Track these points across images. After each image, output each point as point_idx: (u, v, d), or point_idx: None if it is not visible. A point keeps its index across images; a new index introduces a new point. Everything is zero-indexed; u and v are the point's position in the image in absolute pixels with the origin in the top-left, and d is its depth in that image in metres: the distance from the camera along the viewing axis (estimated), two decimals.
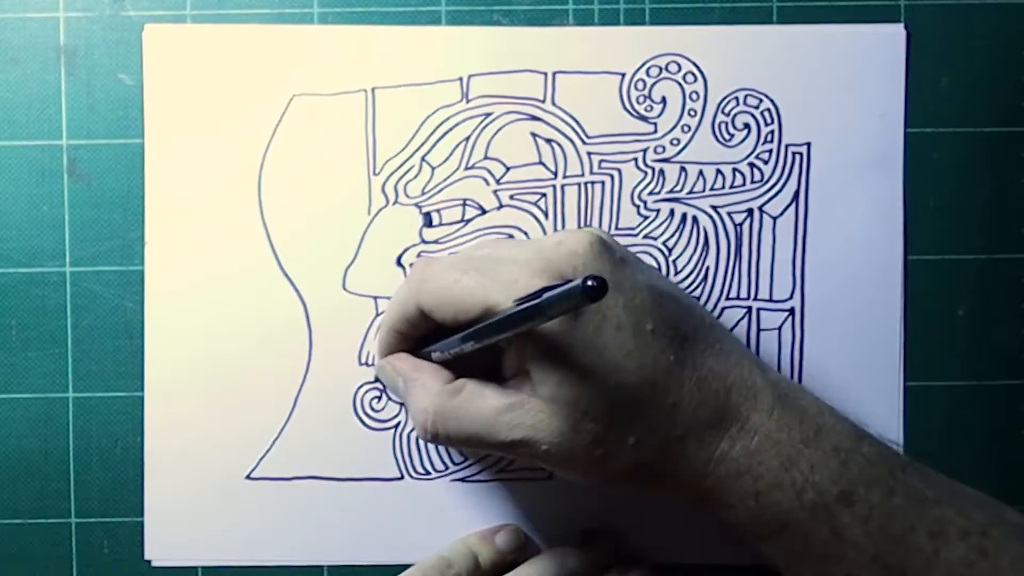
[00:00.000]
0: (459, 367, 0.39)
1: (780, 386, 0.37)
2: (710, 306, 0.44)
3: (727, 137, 0.44)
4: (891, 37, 0.44)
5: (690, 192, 0.44)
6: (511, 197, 0.44)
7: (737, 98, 0.44)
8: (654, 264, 0.44)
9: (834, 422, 0.37)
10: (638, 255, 0.42)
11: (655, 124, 0.44)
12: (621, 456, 0.36)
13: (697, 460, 0.36)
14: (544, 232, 0.44)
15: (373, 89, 0.44)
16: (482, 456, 0.44)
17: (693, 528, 0.44)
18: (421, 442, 0.44)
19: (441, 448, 0.44)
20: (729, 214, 0.44)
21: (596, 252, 0.36)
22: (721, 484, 0.36)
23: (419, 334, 0.40)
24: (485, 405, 0.37)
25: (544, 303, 0.32)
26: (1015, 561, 0.35)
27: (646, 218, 0.44)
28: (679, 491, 0.37)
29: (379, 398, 0.44)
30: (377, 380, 0.43)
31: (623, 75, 0.44)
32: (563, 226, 0.44)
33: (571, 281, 0.31)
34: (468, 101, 0.44)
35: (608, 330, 0.35)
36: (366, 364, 0.44)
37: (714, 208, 0.44)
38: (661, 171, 0.44)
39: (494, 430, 0.36)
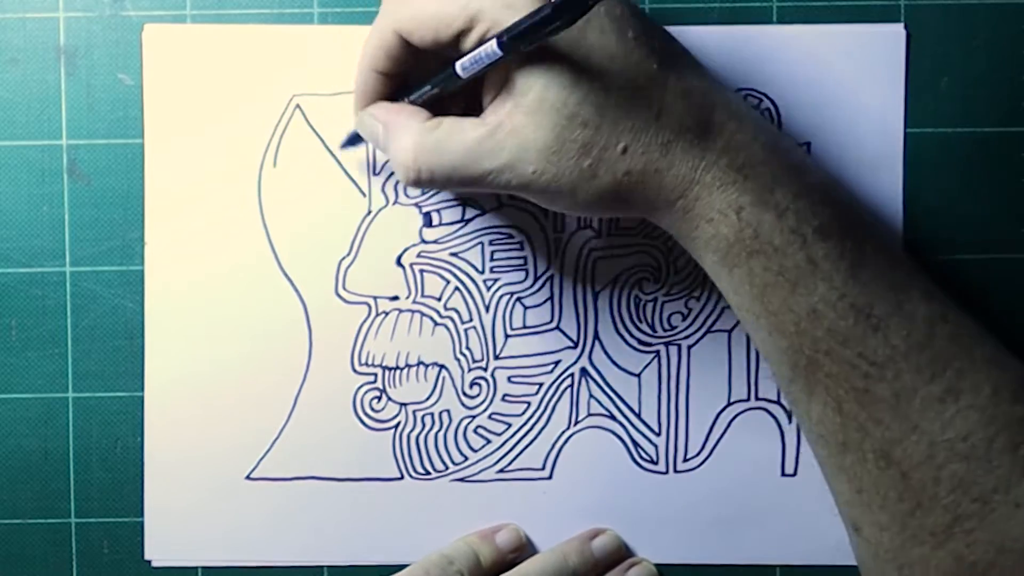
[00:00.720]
0: (438, 110, 0.38)
1: (763, 121, 0.37)
2: (709, 305, 0.44)
3: None
4: (891, 37, 0.44)
5: None
6: (511, 197, 0.44)
7: None
8: (653, 264, 0.44)
9: (816, 166, 0.37)
10: (637, 252, 0.42)
11: None
12: (609, 166, 0.35)
13: (683, 166, 0.36)
14: (544, 233, 0.44)
15: None
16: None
17: (694, 529, 0.44)
18: (421, 442, 0.44)
19: (441, 448, 0.44)
20: None
21: None
22: (707, 192, 0.36)
23: (398, 70, 0.38)
24: (465, 134, 0.36)
25: (537, 20, 0.31)
26: (972, 335, 0.36)
27: None
28: (664, 203, 0.36)
29: (379, 398, 0.44)
30: (355, 141, 0.42)
31: None
32: (563, 226, 0.44)
33: None
34: None
35: (592, 33, 0.34)
36: (366, 364, 0.44)
37: None
38: None
39: (478, 157, 0.35)
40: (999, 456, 0.34)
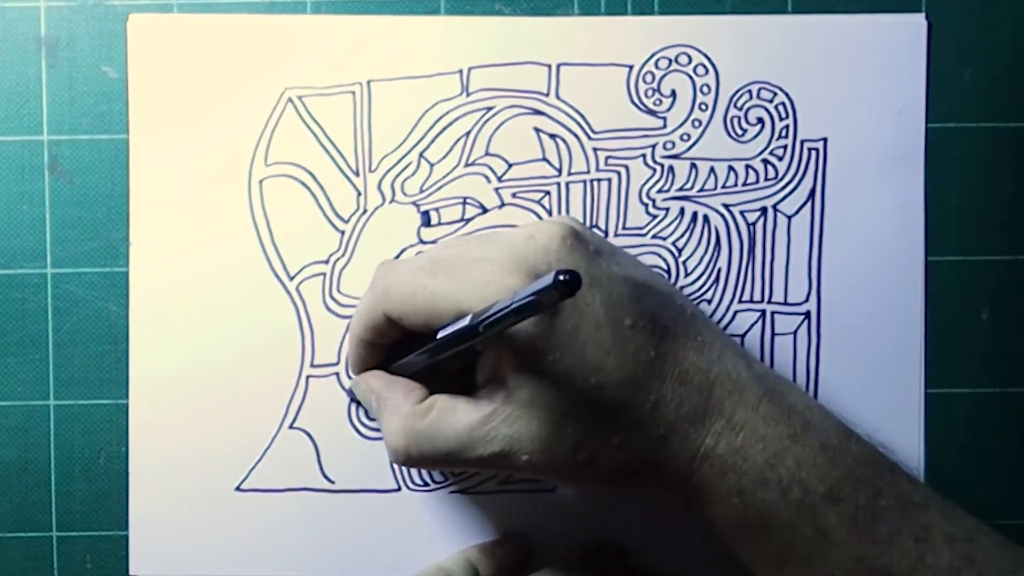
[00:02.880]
0: (434, 377, 0.39)
1: (766, 380, 0.37)
2: (722, 309, 0.44)
3: (740, 132, 0.43)
4: (911, 27, 0.43)
5: (701, 190, 0.43)
6: (513, 195, 0.43)
7: (750, 91, 0.43)
8: (662, 265, 0.43)
9: (822, 419, 0.37)
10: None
11: (664, 119, 0.43)
12: (605, 458, 0.35)
13: (681, 457, 0.35)
14: None
15: (369, 82, 0.43)
16: (466, 475, 0.43)
17: (699, 543, 0.43)
18: None
19: None
20: (742, 213, 0.43)
21: (569, 245, 0.35)
22: (706, 481, 0.35)
23: (389, 342, 0.39)
24: (458, 421, 0.36)
25: (516, 304, 0.31)
26: (1002, 570, 0.35)
27: (655, 217, 0.43)
28: (665, 490, 0.36)
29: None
30: (350, 395, 0.43)
31: (631, 67, 0.43)
32: None
33: (541, 281, 0.30)
34: (468, 95, 0.43)
35: (586, 328, 0.34)
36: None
37: (726, 207, 0.43)
38: (670, 168, 0.43)
39: (470, 445, 0.36)
40: None
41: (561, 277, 0.28)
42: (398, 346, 0.39)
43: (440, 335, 0.35)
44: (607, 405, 0.35)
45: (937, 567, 0.34)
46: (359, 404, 0.42)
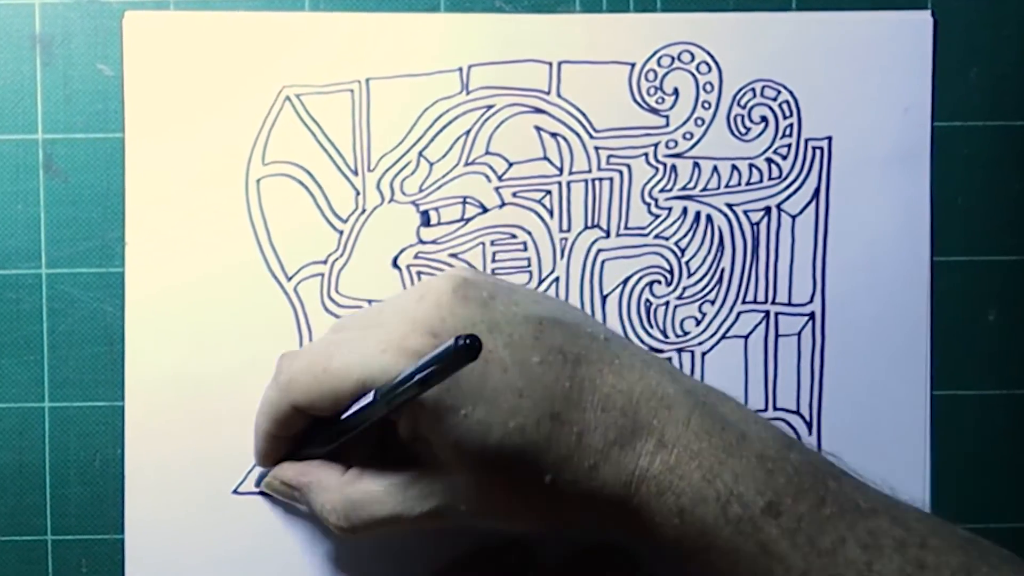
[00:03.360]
0: (349, 451, 0.39)
1: (696, 393, 0.36)
2: (725, 310, 0.43)
3: (743, 131, 0.43)
4: (917, 24, 0.43)
5: (704, 189, 0.43)
6: (514, 195, 0.43)
7: (754, 89, 0.43)
8: (665, 266, 0.43)
9: (759, 429, 0.36)
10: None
11: (667, 117, 0.43)
12: (539, 498, 0.35)
13: (616, 483, 0.35)
14: (549, 232, 0.43)
15: (367, 80, 0.43)
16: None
17: None
18: None
19: None
20: (745, 213, 0.43)
21: (460, 297, 0.36)
22: (644, 504, 0.35)
23: (296, 431, 0.39)
24: (388, 483, 0.37)
25: (419, 375, 0.32)
26: (956, 573, 0.34)
27: (657, 217, 0.43)
28: (607, 519, 0.36)
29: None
30: (264, 494, 0.42)
31: (633, 65, 0.43)
32: (569, 226, 0.43)
33: (442, 345, 0.31)
34: (468, 93, 0.43)
35: (494, 375, 0.35)
36: None
37: (729, 206, 0.43)
38: (673, 167, 0.43)
39: (407, 506, 0.36)
40: None
41: (460, 342, 0.29)
42: (303, 433, 0.40)
43: (346, 415, 0.36)
44: (532, 447, 0.35)
45: (886, 574, 0.34)
46: (275, 500, 0.42)
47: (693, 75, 0.43)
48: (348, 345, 0.36)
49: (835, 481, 0.35)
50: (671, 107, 0.43)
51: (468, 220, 0.43)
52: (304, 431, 0.39)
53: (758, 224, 0.43)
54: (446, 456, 0.35)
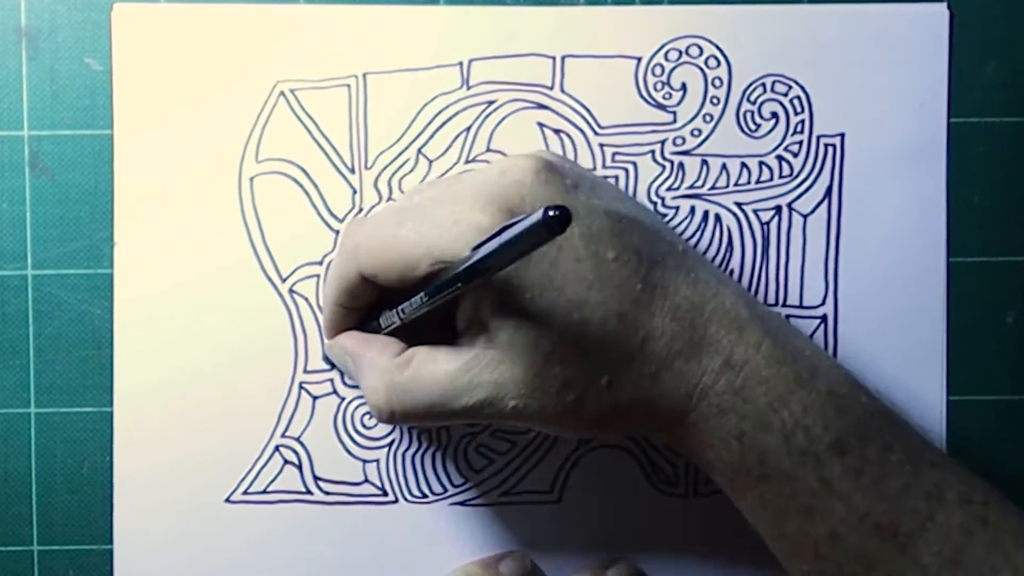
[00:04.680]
0: (412, 332, 0.37)
1: (769, 321, 0.36)
2: None
3: (753, 127, 0.43)
4: (933, 17, 0.43)
5: (712, 188, 0.43)
6: None
7: (764, 84, 0.43)
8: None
9: (830, 366, 0.36)
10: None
11: (674, 113, 0.43)
12: (594, 399, 0.35)
13: (675, 396, 0.35)
14: None
15: (364, 75, 0.42)
16: (467, 485, 0.43)
17: (716, 558, 0.43)
18: (417, 461, 0.43)
19: (439, 468, 0.43)
20: (755, 212, 0.43)
21: (544, 179, 0.34)
22: (703, 422, 0.35)
23: (365, 304, 0.38)
24: (439, 371, 0.35)
25: (501, 246, 0.30)
26: (1017, 537, 0.34)
27: (664, 216, 0.43)
28: (661, 429, 0.36)
29: (370, 414, 0.42)
30: (330, 365, 0.42)
31: (639, 59, 0.42)
32: None
33: (527, 216, 0.29)
34: (469, 88, 0.42)
35: (566, 263, 0.34)
36: None
37: (738, 205, 0.43)
38: (680, 164, 0.43)
39: (454, 395, 0.35)
40: None
41: (551, 213, 0.27)
42: (372, 308, 0.39)
43: (416, 297, 0.35)
44: (593, 343, 0.34)
45: (948, 526, 0.34)
46: (341, 372, 0.42)
47: (701, 69, 0.42)
48: (420, 213, 0.35)
49: (902, 430, 0.35)
50: (678, 103, 0.42)
51: None
52: (371, 307, 0.38)
53: (768, 224, 0.43)
54: (503, 343, 0.34)
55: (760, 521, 0.36)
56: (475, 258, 0.32)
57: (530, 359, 0.34)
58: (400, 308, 0.36)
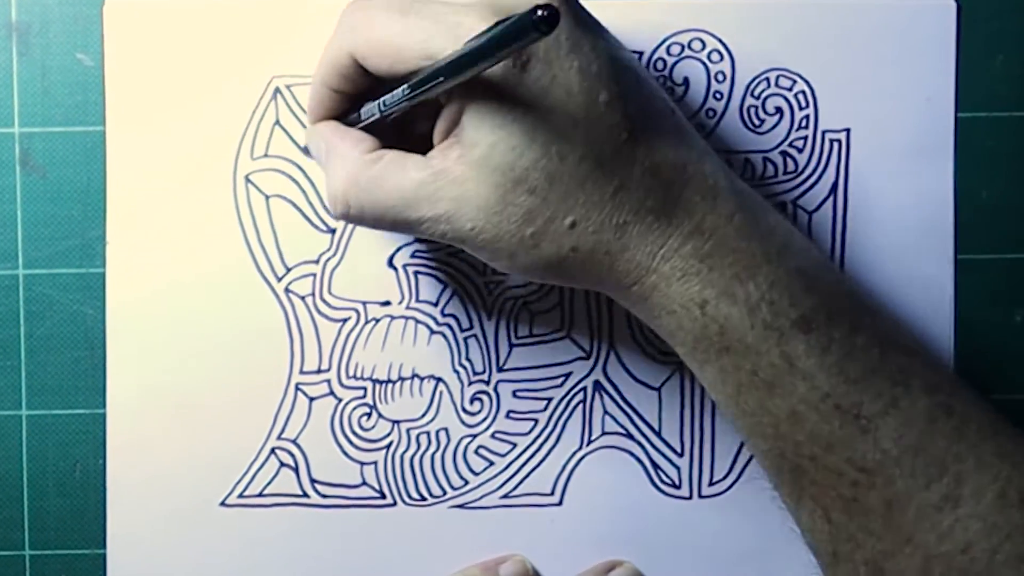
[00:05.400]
0: (390, 136, 0.37)
1: (747, 195, 0.36)
2: None
3: (757, 123, 0.42)
4: (940, 10, 0.42)
5: None
6: None
7: (768, 79, 0.42)
8: None
9: (803, 246, 0.36)
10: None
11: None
12: (554, 238, 0.34)
13: (639, 251, 0.34)
14: None
15: None
16: (466, 487, 0.42)
17: (720, 561, 0.43)
18: (416, 464, 0.43)
19: (438, 471, 0.43)
20: None
21: (561, 3, 0.33)
22: (665, 283, 0.34)
23: (351, 90, 0.38)
24: (405, 177, 0.35)
25: (487, 40, 0.30)
26: (981, 427, 0.34)
27: None
28: (616, 286, 0.35)
29: (368, 415, 0.42)
30: (305, 152, 0.42)
31: (641, 53, 0.42)
32: None
33: (513, 17, 0.29)
34: None
35: (557, 93, 0.33)
36: (354, 377, 0.43)
37: None
38: None
39: (414, 203, 0.34)
40: (1002, 569, 0.33)
41: (539, 12, 0.27)
42: (357, 103, 0.38)
43: (399, 89, 0.34)
44: (566, 179, 0.33)
45: (912, 413, 0.34)
46: (311, 157, 0.41)
47: (704, 64, 0.42)
48: (424, 11, 0.34)
49: (871, 316, 0.35)
50: (681, 98, 0.42)
51: None
52: (361, 94, 0.38)
53: None
54: (475, 159, 0.33)
55: (720, 395, 0.36)
56: (460, 52, 0.31)
57: (498, 181, 0.33)
58: (382, 100, 0.35)
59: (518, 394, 0.43)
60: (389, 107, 0.35)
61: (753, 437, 0.35)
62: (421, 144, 0.36)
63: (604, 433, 0.43)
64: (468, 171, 0.33)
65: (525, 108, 0.33)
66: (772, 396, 0.34)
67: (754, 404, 0.34)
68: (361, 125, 0.37)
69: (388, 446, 0.42)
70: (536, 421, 0.43)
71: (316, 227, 0.42)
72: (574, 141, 0.33)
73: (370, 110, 0.36)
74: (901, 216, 0.42)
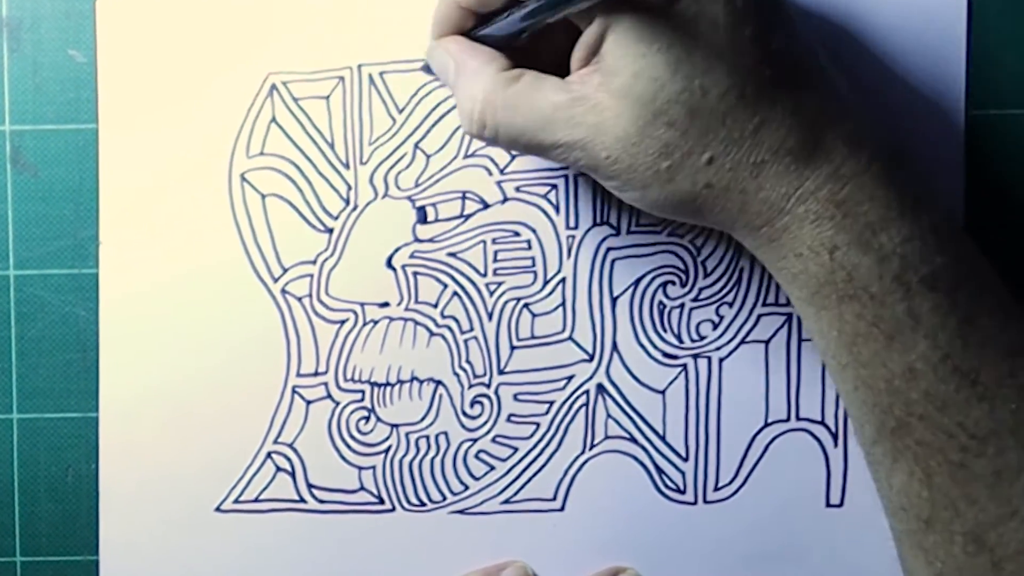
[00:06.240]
0: (521, 58, 0.37)
1: (885, 147, 0.36)
2: (744, 313, 0.42)
3: None
4: (950, 5, 0.42)
5: None
6: (517, 189, 0.42)
7: None
8: (680, 265, 0.42)
9: (937, 205, 0.36)
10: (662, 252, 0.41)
11: None
12: (689, 173, 0.34)
13: (774, 192, 0.34)
14: (555, 230, 0.42)
15: (359, 66, 0.42)
16: (466, 492, 0.42)
17: (726, 567, 0.43)
18: (415, 468, 0.42)
19: (438, 475, 0.42)
20: None
21: None
22: (797, 225, 0.34)
23: (482, 8, 0.37)
24: (544, 97, 0.35)
25: None
26: None
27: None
28: (746, 226, 0.35)
29: (367, 419, 0.42)
30: (426, 70, 0.41)
31: None
32: (576, 222, 0.42)
33: None
34: None
35: (703, 24, 0.33)
36: (352, 380, 0.42)
37: None
38: None
39: (551, 126, 0.35)
40: None
41: None
42: (484, 18, 0.38)
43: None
44: (706, 114, 0.33)
45: None
46: (433, 76, 0.41)
47: None
48: None
49: (995, 284, 0.35)
50: None
51: (468, 217, 0.42)
52: (488, 16, 0.38)
53: None
54: (616, 88, 0.34)
55: (833, 344, 0.35)
56: None
57: (638, 112, 0.33)
58: (526, 10, 0.35)
59: (519, 397, 0.42)
60: (525, 20, 0.34)
61: (861, 389, 0.35)
62: (547, 66, 0.36)
63: (607, 437, 0.42)
64: (608, 99, 0.34)
65: (670, 39, 0.33)
66: (890, 349, 0.34)
67: (869, 355, 0.34)
68: (496, 44, 0.37)
69: (387, 450, 0.42)
70: (538, 425, 0.42)
71: (313, 227, 0.42)
72: (717, 75, 0.33)
73: (505, 26, 0.36)
74: None
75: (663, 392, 0.42)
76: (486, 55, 0.37)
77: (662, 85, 0.33)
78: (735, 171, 0.34)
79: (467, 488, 0.42)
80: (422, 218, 0.42)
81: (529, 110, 0.35)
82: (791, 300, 0.36)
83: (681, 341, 0.42)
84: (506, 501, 0.42)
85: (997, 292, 0.35)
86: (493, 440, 0.42)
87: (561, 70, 0.36)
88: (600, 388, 0.42)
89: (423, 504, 0.42)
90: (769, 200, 0.34)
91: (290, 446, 0.42)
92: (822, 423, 0.42)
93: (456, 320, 0.42)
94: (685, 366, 0.42)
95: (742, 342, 0.42)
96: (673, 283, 0.42)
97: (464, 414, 0.42)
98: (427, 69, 0.41)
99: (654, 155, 0.34)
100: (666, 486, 0.42)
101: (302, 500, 0.42)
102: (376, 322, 0.42)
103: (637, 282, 0.42)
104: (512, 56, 0.37)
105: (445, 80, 0.38)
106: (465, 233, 0.42)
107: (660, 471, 0.42)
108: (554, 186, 0.42)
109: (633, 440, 0.42)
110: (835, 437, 0.42)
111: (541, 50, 0.37)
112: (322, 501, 0.42)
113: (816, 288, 0.35)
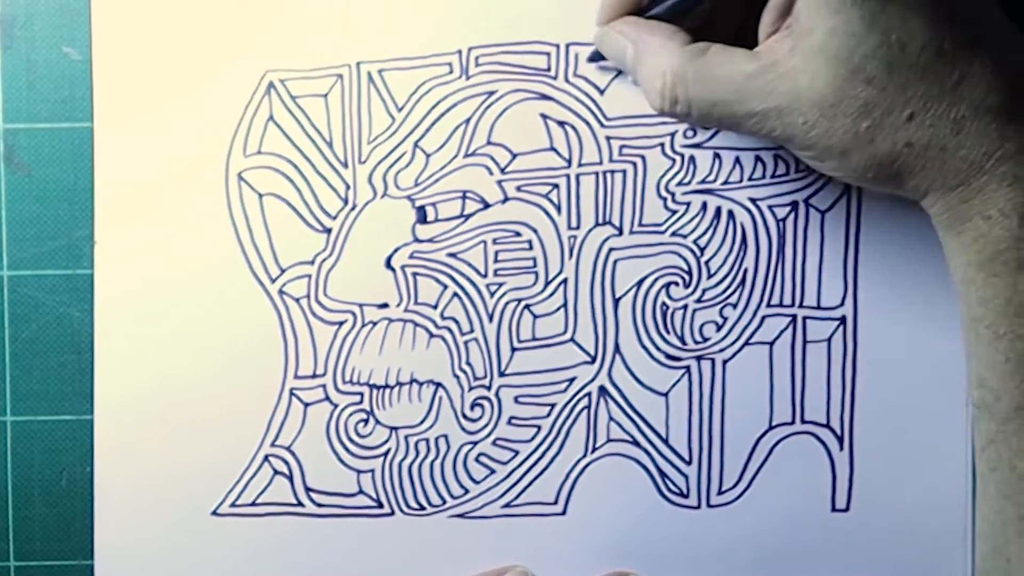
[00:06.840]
0: (696, 35, 0.37)
1: None
2: (748, 314, 0.42)
3: None
4: None
5: (725, 183, 0.42)
6: (518, 189, 0.42)
7: None
8: (683, 266, 0.42)
9: None
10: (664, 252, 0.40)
11: None
12: (890, 132, 0.34)
13: (975, 150, 0.34)
14: (556, 230, 0.42)
15: (358, 64, 0.42)
16: (466, 496, 0.42)
17: (729, 572, 0.42)
18: (414, 472, 0.42)
19: (438, 479, 0.42)
20: (770, 208, 0.42)
21: None
22: (994, 186, 0.34)
23: None
24: (735, 67, 0.35)
25: None
26: None
27: (674, 212, 0.42)
28: (942, 187, 0.35)
29: (365, 422, 0.42)
30: (593, 59, 0.41)
31: None
32: (578, 222, 0.42)
33: None
34: (468, 77, 0.42)
35: None
36: (350, 382, 0.42)
37: (753, 201, 0.42)
38: (691, 158, 0.42)
39: (745, 96, 0.35)
40: None
41: None
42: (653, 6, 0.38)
43: None
44: (905, 69, 0.33)
45: None
46: (601, 62, 0.41)
47: None
48: None
49: None
50: None
51: (468, 216, 0.42)
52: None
53: (784, 220, 0.42)
54: (811, 48, 0.33)
55: (992, 313, 0.34)
56: None
57: (834, 71, 0.33)
58: None
59: (520, 400, 0.42)
60: None
61: (1013, 360, 0.34)
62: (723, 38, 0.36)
63: (609, 440, 0.42)
64: (801, 63, 0.34)
65: (873, 5, 0.33)
66: None
67: None
68: (669, 18, 0.37)
69: (386, 453, 0.42)
70: (539, 428, 0.42)
71: (311, 227, 0.42)
72: (914, 28, 0.33)
73: (675, 8, 0.37)
74: (917, 216, 0.40)
75: (666, 394, 0.42)
76: (666, 31, 0.37)
77: (859, 40, 0.33)
78: (935, 128, 0.34)
79: (467, 492, 0.42)
80: (422, 218, 0.42)
81: (721, 81, 0.35)
82: (952, 264, 0.36)
83: (684, 343, 0.42)
84: (507, 505, 0.42)
85: None
86: (494, 443, 0.42)
87: (737, 43, 0.36)
88: (602, 390, 0.42)
89: (423, 508, 0.42)
90: (969, 158, 0.34)
91: (288, 449, 0.42)
92: (827, 426, 0.42)
93: (456, 321, 0.42)
94: (688, 368, 0.42)
95: (746, 344, 0.42)
96: (676, 284, 0.42)
97: (464, 416, 0.42)
98: (595, 57, 0.41)
99: (853, 116, 0.34)
100: (669, 490, 0.42)
101: (300, 504, 0.42)
102: (375, 323, 0.42)
103: (640, 283, 0.42)
104: (688, 32, 0.37)
105: (621, 64, 0.39)
106: (465, 233, 0.42)
107: (663, 474, 0.42)
108: (555, 186, 0.42)
109: (635, 443, 0.42)
110: (840, 440, 0.42)
111: (717, 24, 0.37)
112: (320, 505, 0.42)
113: (994, 254, 0.34)
